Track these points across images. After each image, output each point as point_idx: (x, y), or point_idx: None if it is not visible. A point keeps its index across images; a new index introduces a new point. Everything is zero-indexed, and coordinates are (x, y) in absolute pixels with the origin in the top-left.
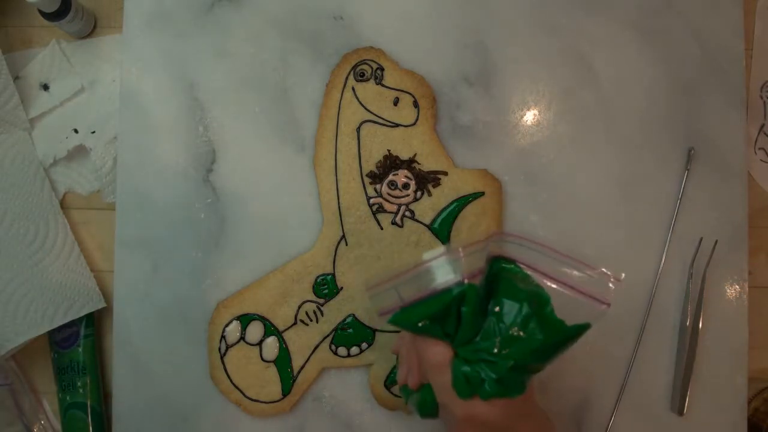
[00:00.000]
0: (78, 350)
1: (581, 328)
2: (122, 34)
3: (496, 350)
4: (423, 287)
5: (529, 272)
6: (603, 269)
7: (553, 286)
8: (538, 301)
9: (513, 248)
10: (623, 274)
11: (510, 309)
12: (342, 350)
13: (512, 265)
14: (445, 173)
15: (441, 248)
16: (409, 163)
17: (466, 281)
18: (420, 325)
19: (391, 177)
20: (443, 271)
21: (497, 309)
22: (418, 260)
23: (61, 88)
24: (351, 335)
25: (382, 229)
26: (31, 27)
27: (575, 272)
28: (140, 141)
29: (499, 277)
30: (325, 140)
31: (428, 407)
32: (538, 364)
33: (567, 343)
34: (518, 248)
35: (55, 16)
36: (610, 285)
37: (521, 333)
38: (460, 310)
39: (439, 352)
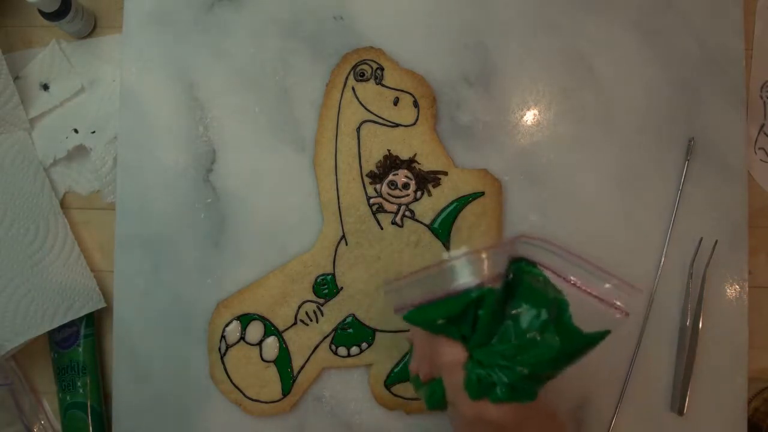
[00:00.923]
0: (78, 350)
1: (599, 336)
2: (122, 34)
3: (511, 355)
4: (442, 286)
5: (549, 275)
6: (623, 279)
7: (573, 291)
8: (558, 306)
9: (535, 251)
10: (643, 288)
11: (528, 314)
12: (342, 350)
13: (533, 268)
14: (445, 173)
15: (463, 249)
16: (409, 163)
17: (485, 285)
18: (436, 324)
19: (391, 177)
20: (463, 272)
21: (515, 312)
22: (439, 259)
23: (61, 88)
24: (351, 335)
25: (382, 229)
26: (31, 27)
27: (596, 279)
28: (140, 141)
29: (519, 279)
30: (325, 140)
31: (437, 401)
32: (552, 371)
33: (584, 351)
34: (540, 251)
35: (55, 16)
36: (628, 295)
37: (538, 339)
38: (477, 313)
39: (453, 353)
